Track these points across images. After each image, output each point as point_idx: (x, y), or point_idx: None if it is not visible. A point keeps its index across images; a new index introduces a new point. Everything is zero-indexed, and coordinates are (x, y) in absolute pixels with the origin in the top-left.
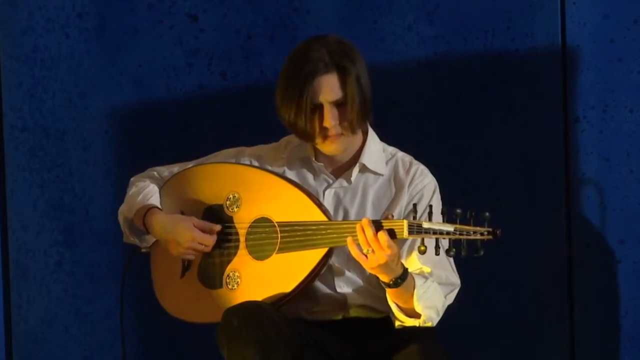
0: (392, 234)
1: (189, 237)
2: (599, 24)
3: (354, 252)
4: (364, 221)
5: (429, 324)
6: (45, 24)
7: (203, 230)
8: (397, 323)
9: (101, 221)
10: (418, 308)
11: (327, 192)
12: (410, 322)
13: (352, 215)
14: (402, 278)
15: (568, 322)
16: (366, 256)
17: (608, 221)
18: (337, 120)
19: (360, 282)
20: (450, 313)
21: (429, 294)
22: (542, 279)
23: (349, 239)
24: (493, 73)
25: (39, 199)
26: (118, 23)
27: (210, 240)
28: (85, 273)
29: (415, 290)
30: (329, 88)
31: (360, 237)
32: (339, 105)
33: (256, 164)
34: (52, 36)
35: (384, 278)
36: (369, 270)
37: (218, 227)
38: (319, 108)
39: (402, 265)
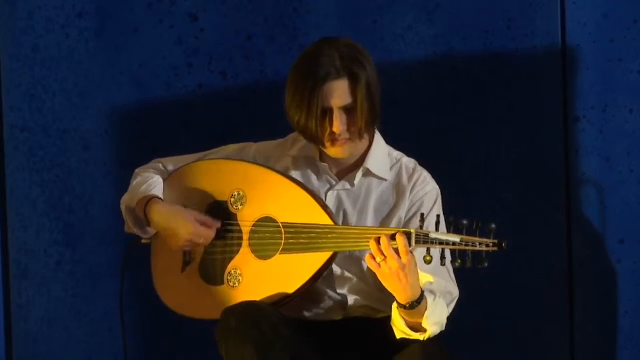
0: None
1: (189, 229)
2: (599, 24)
3: (371, 264)
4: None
5: (430, 338)
6: (45, 23)
7: (203, 224)
8: (399, 334)
9: (101, 221)
10: (426, 325)
11: (329, 193)
12: (414, 336)
13: (353, 219)
14: (419, 301)
15: (568, 322)
16: (379, 265)
17: (608, 221)
18: (346, 126)
19: (361, 283)
20: (451, 313)
21: (438, 311)
22: (542, 279)
23: (367, 257)
24: (493, 73)
25: (38, 199)
26: (118, 23)
27: (210, 234)
28: (85, 273)
29: (427, 309)
30: (339, 94)
31: (372, 246)
32: (348, 110)
33: (261, 161)
34: (52, 36)
35: (400, 299)
36: (385, 285)
37: (218, 224)
38: (328, 112)
39: (419, 287)
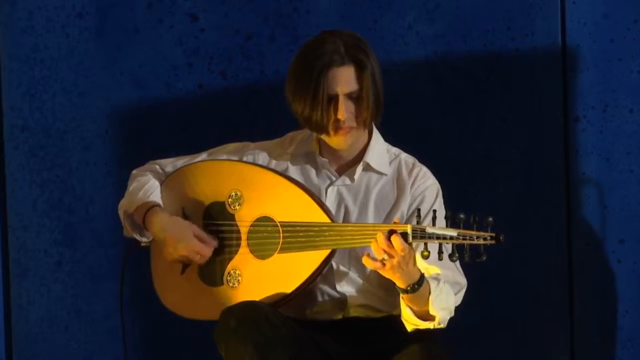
0: (404, 237)
1: (186, 245)
2: (599, 24)
3: (370, 264)
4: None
5: (441, 326)
6: (45, 23)
7: (201, 241)
8: (410, 327)
9: (101, 221)
10: (433, 311)
11: (329, 189)
12: (424, 325)
13: (354, 215)
14: (419, 283)
15: (568, 321)
16: (383, 264)
17: (608, 221)
18: (352, 114)
19: (360, 281)
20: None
21: (442, 295)
22: (542, 279)
23: (365, 257)
24: (493, 73)
25: (38, 199)
26: (118, 23)
27: (208, 252)
28: (85, 273)
29: (431, 294)
30: (345, 80)
31: (373, 246)
32: (354, 98)
33: (260, 159)
34: (52, 36)
35: (400, 284)
36: (385, 276)
37: (215, 242)
38: (334, 100)
39: (419, 270)
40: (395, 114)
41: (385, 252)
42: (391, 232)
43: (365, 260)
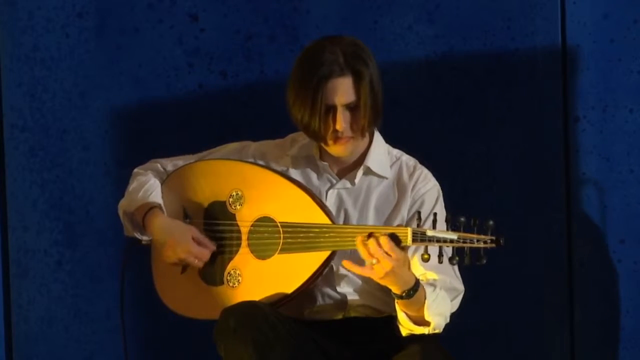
0: (396, 240)
1: (185, 248)
2: (599, 24)
3: (358, 270)
4: (359, 238)
5: (437, 331)
6: (45, 23)
7: (200, 244)
8: (405, 331)
9: (101, 221)
10: (428, 317)
11: (329, 192)
12: (419, 330)
13: (354, 218)
14: (415, 289)
15: (568, 322)
16: (371, 268)
17: (608, 221)
18: (349, 124)
19: (360, 282)
20: (451, 313)
21: (438, 301)
22: (542, 279)
23: (348, 262)
24: (493, 73)
25: (39, 199)
26: (118, 23)
27: (205, 256)
28: (85, 273)
29: (426, 299)
30: (343, 91)
31: (361, 250)
32: (352, 108)
33: (260, 160)
34: (52, 36)
35: (395, 289)
36: (379, 282)
37: (213, 246)
38: (332, 110)
39: (414, 275)
40: (396, 114)
41: (372, 256)
42: (371, 234)
43: (351, 266)
